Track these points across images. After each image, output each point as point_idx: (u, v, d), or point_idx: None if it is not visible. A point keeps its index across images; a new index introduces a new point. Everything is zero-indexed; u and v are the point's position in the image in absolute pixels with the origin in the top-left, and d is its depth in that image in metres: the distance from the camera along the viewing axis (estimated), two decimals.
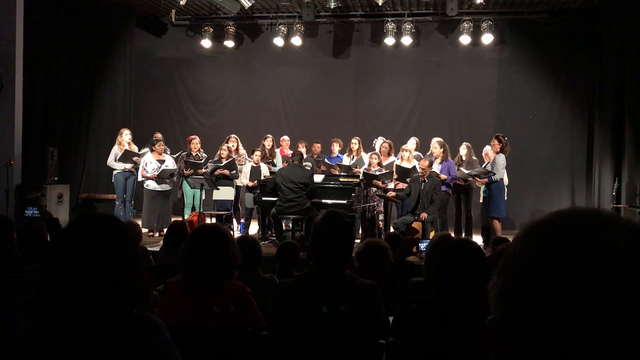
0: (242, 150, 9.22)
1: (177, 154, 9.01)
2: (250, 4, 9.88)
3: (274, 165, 9.00)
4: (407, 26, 10.42)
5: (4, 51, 8.20)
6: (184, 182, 8.74)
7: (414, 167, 8.09)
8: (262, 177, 8.37)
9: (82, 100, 10.50)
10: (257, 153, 8.74)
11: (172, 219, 7.82)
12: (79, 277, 1.33)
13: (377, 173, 7.98)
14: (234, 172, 8.51)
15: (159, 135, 9.23)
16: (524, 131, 10.30)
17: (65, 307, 1.32)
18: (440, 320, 2.18)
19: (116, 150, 8.76)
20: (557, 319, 0.55)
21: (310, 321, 2.32)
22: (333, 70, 11.43)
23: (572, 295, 0.54)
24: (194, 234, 2.51)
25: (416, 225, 7.36)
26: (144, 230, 8.12)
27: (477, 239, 8.06)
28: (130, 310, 1.36)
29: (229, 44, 11.24)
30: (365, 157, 8.81)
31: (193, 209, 8.76)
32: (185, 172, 8.54)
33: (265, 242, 7.80)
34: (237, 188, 8.81)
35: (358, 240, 6.04)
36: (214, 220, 8.11)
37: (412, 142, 8.94)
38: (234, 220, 8.83)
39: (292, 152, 9.30)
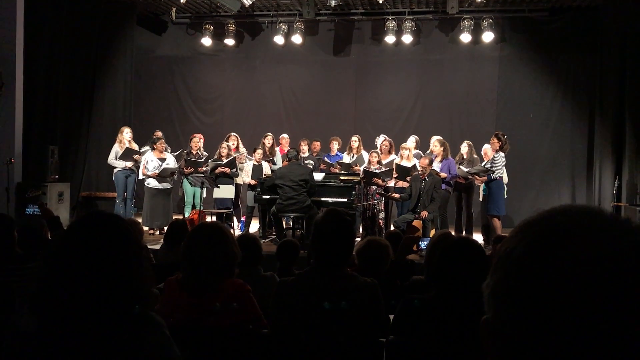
0: (242, 149, 9.22)
1: (177, 152, 9.02)
2: (250, 2, 9.87)
3: (274, 164, 9.00)
4: (408, 24, 10.41)
5: (5, 49, 8.19)
6: (185, 180, 8.74)
7: (414, 165, 8.09)
8: (263, 176, 8.37)
9: (83, 98, 10.51)
10: (259, 151, 8.74)
11: (173, 217, 7.83)
12: (83, 273, 1.34)
13: (377, 171, 7.98)
14: (234, 170, 8.51)
15: (159, 134, 9.23)
16: (524, 129, 10.30)
17: (68, 303, 1.33)
18: (440, 318, 2.18)
19: (117, 149, 8.76)
20: (548, 319, 0.55)
21: (311, 319, 2.32)
22: (333, 69, 11.42)
23: (562, 294, 0.54)
24: (194, 232, 2.51)
25: (417, 223, 7.37)
26: (145, 228, 8.13)
27: (478, 237, 8.06)
28: (132, 308, 1.37)
29: (230, 42, 11.23)
30: (366, 155, 8.81)
31: (193, 207, 8.77)
32: (185, 170, 8.55)
33: (266, 240, 7.81)
34: (238, 186, 8.81)
35: (358, 239, 6.03)
36: (214, 218, 8.11)
37: (411, 141, 8.94)
38: (234, 219, 8.83)
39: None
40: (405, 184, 7.95)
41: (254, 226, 8.87)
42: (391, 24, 10.46)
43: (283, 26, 10.92)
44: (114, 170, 8.79)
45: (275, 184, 7.46)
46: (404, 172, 8.01)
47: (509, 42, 10.69)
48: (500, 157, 7.65)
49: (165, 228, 6.43)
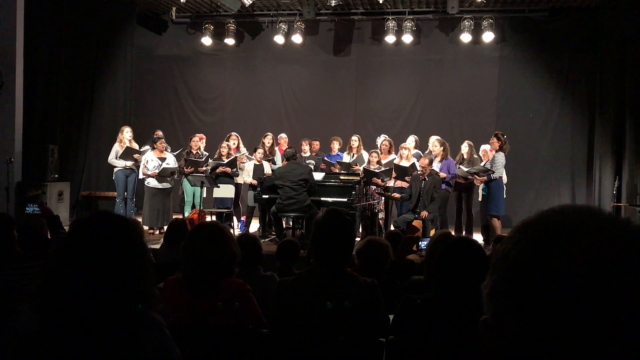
0: (243, 149, 9.22)
1: (177, 152, 9.02)
2: (250, 2, 9.87)
3: (274, 164, 9.00)
4: (408, 24, 10.41)
5: (5, 49, 8.19)
6: (185, 180, 8.75)
7: (413, 164, 8.09)
8: (264, 175, 8.37)
9: (83, 97, 10.51)
10: (260, 151, 8.74)
11: (173, 217, 7.83)
12: (87, 273, 1.36)
13: (377, 171, 7.98)
14: (235, 169, 8.51)
15: (159, 133, 9.23)
16: (524, 129, 10.31)
17: (71, 302, 1.33)
18: (440, 318, 2.18)
19: (117, 148, 8.76)
20: (545, 319, 0.55)
21: (311, 319, 2.32)
22: (334, 68, 11.42)
23: (559, 294, 0.54)
24: (194, 232, 2.51)
25: (416, 223, 7.37)
26: (145, 227, 8.13)
27: (478, 237, 8.06)
28: (135, 308, 1.38)
29: (230, 41, 11.23)
30: (365, 154, 8.81)
31: (193, 206, 8.77)
32: (185, 169, 8.55)
33: (266, 240, 7.81)
34: (238, 186, 8.81)
35: (358, 239, 6.03)
36: (214, 218, 8.11)
37: (410, 140, 8.94)
38: (234, 218, 8.83)
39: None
40: (404, 184, 7.95)
41: (254, 226, 8.87)
42: (391, 24, 10.46)
43: (283, 26, 10.92)
44: (114, 170, 8.79)
45: (274, 184, 7.46)
46: (402, 172, 8.00)
47: (509, 42, 10.69)
48: (500, 157, 7.65)
49: (165, 227, 6.43)
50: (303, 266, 3.11)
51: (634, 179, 8.70)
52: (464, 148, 8.51)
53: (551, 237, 0.58)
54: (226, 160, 8.49)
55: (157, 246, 5.20)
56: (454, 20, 10.55)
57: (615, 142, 9.21)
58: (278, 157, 9.22)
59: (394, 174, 8.13)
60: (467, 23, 10.19)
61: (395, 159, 8.53)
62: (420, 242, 6.53)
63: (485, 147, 8.47)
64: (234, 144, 8.99)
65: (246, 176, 8.62)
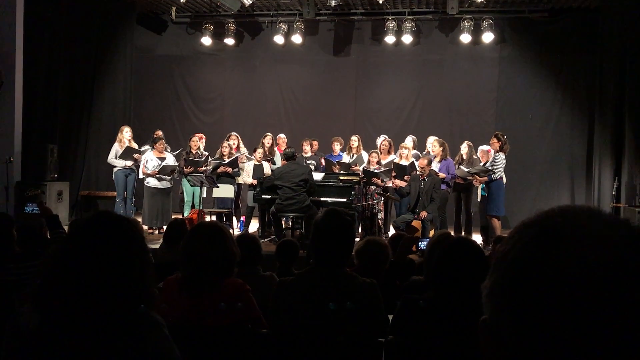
0: (243, 148, 9.22)
1: (177, 152, 9.02)
2: (250, 2, 9.87)
3: (274, 164, 9.00)
4: (408, 24, 10.41)
5: (4, 48, 8.19)
6: (184, 180, 8.75)
7: (412, 163, 8.09)
8: (264, 175, 8.37)
9: (83, 97, 10.50)
10: (260, 151, 8.74)
11: (172, 217, 7.83)
12: (89, 272, 1.36)
13: (377, 171, 7.98)
14: (236, 170, 8.51)
15: (159, 133, 9.23)
16: (524, 130, 10.31)
17: (72, 301, 1.34)
18: (439, 319, 2.18)
19: (116, 148, 8.75)
20: (543, 320, 0.55)
21: (310, 319, 2.32)
22: (333, 69, 11.42)
23: (557, 295, 0.54)
24: (193, 232, 2.51)
25: (416, 223, 7.37)
26: (144, 227, 8.13)
27: (477, 237, 8.06)
28: (136, 308, 1.39)
29: (230, 41, 11.23)
30: (365, 154, 8.81)
31: (193, 206, 8.77)
32: (185, 169, 8.55)
33: (265, 240, 7.80)
34: (238, 186, 8.81)
35: (358, 239, 6.03)
36: (213, 218, 8.11)
37: (408, 140, 8.93)
38: (234, 218, 8.83)
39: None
40: (403, 183, 7.95)
41: (254, 226, 8.87)
42: (391, 24, 10.46)
43: (283, 26, 10.92)
44: (114, 170, 8.78)
45: (274, 184, 7.45)
46: (401, 171, 8.01)
47: (509, 43, 10.69)
48: (501, 158, 7.65)
49: (165, 227, 6.43)
50: (302, 266, 3.11)
51: (633, 179, 8.70)
52: (464, 148, 8.51)
53: (550, 238, 0.58)
54: (227, 160, 8.49)
55: (157, 246, 5.20)
56: (454, 21, 10.55)
57: (615, 142, 9.21)
58: (277, 157, 9.22)
59: (393, 174, 8.13)
60: (466, 23, 10.20)
61: (395, 159, 8.54)
62: (419, 243, 6.52)
63: (483, 147, 8.47)
64: (233, 143, 8.99)
65: (246, 176, 8.62)
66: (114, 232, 1.43)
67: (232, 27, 11.17)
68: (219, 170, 8.43)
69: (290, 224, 8.03)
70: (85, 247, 1.41)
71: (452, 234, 5.24)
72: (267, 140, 9.17)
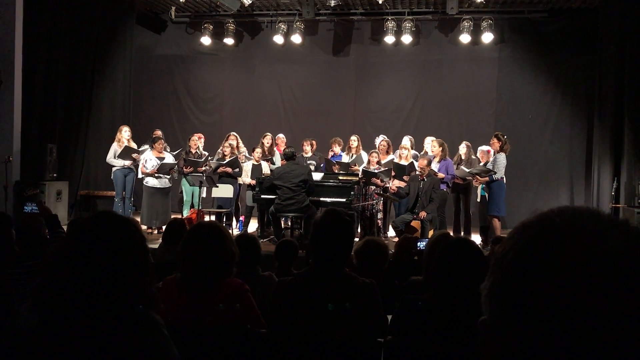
0: (242, 148, 9.22)
1: (176, 152, 9.01)
2: (250, 2, 9.87)
3: (273, 163, 8.99)
4: (407, 24, 10.41)
5: (4, 47, 8.18)
6: (184, 179, 8.74)
7: (411, 163, 8.09)
8: (262, 175, 8.36)
9: (82, 96, 10.49)
10: (258, 151, 8.74)
11: (171, 217, 7.82)
12: (89, 272, 1.37)
13: (376, 171, 7.98)
14: (237, 170, 8.51)
15: (159, 133, 9.22)
16: (523, 130, 10.31)
17: (72, 301, 1.34)
18: (438, 319, 2.18)
19: (115, 147, 8.74)
20: (542, 321, 0.55)
21: (309, 319, 2.32)
22: (333, 69, 11.42)
23: (557, 296, 0.54)
24: (192, 232, 2.51)
25: (415, 224, 7.37)
26: (143, 227, 8.12)
27: (476, 238, 8.06)
28: (135, 308, 1.39)
29: (229, 41, 11.23)
30: (364, 154, 8.81)
31: (192, 206, 8.76)
32: (184, 169, 8.54)
33: (264, 240, 7.80)
34: (237, 186, 8.80)
35: (357, 239, 6.03)
36: (213, 217, 8.11)
37: (406, 140, 8.92)
38: (233, 218, 8.82)
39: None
40: (402, 184, 7.95)
41: (253, 226, 8.87)
42: (391, 24, 10.46)
43: (282, 26, 10.92)
44: (113, 169, 8.77)
45: (273, 184, 7.44)
46: (400, 171, 8.01)
47: (508, 43, 10.70)
48: (502, 158, 7.65)
49: (164, 227, 6.42)
50: (301, 266, 3.11)
51: (632, 180, 8.71)
52: (462, 149, 8.52)
53: (549, 239, 0.58)
54: (226, 160, 8.49)
55: (156, 246, 5.19)
56: (454, 21, 10.56)
57: (614, 143, 9.21)
58: (277, 157, 9.22)
59: (393, 174, 8.13)
60: (466, 24, 10.20)
61: (394, 159, 8.54)
62: (418, 243, 6.52)
63: (483, 147, 8.47)
64: (233, 144, 8.98)
65: (244, 176, 8.61)
66: (114, 233, 1.43)
67: (231, 27, 11.17)
68: (219, 171, 8.42)
69: (290, 224, 8.02)
70: (85, 247, 1.41)
71: (451, 234, 5.24)
72: (267, 140, 9.17)
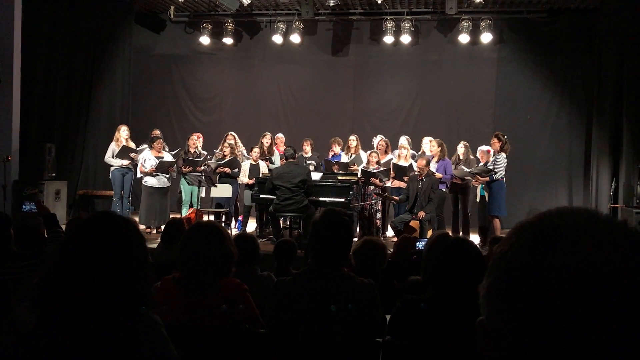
0: (241, 148, 9.21)
1: (175, 151, 9.00)
2: (249, 1, 9.87)
3: (272, 163, 8.99)
4: (406, 24, 10.42)
5: (2, 47, 8.17)
6: (182, 179, 8.74)
7: (411, 164, 8.10)
8: (260, 175, 8.36)
9: (80, 96, 10.49)
10: (256, 150, 8.73)
11: (170, 216, 7.82)
12: (90, 273, 1.36)
13: (375, 171, 7.98)
14: (236, 170, 8.50)
15: (157, 132, 9.21)
16: (522, 130, 10.31)
17: (72, 301, 1.34)
18: (437, 319, 2.18)
19: (113, 147, 8.73)
20: (540, 321, 0.55)
21: (308, 319, 2.32)
22: (332, 68, 11.42)
23: (555, 296, 0.54)
24: (191, 231, 2.51)
25: (414, 224, 7.37)
26: (142, 227, 8.11)
27: (474, 238, 8.07)
28: (135, 307, 1.39)
29: (228, 41, 11.23)
30: (363, 154, 8.81)
31: (191, 206, 8.76)
32: (183, 169, 8.54)
33: (263, 240, 7.80)
34: (237, 185, 8.80)
35: (356, 239, 6.03)
36: (212, 217, 8.11)
37: (403, 140, 8.89)
38: (232, 218, 8.82)
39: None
40: (402, 184, 7.95)
41: (252, 225, 8.86)
42: (390, 24, 10.46)
43: (282, 25, 10.92)
44: (111, 169, 8.76)
45: (272, 184, 7.43)
46: (400, 171, 8.01)
47: (507, 43, 10.70)
48: (502, 158, 7.65)
49: (162, 227, 6.42)
50: (300, 266, 3.11)
51: (631, 180, 8.72)
52: (460, 149, 8.52)
53: (548, 239, 0.58)
54: (224, 161, 8.48)
55: (154, 245, 5.19)
56: (452, 21, 10.56)
57: (613, 143, 9.22)
58: (277, 157, 9.21)
59: (392, 174, 8.13)
60: (465, 24, 10.20)
61: (392, 158, 8.54)
62: (417, 243, 6.52)
63: (483, 147, 8.47)
64: (233, 143, 8.98)
65: (242, 176, 8.60)
66: (113, 233, 1.44)
67: (230, 27, 11.17)
68: (218, 171, 8.42)
69: (288, 223, 8.02)
70: (84, 247, 1.41)
71: (450, 234, 5.24)
72: (266, 140, 9.15)
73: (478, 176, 7.80)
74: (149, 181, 8.43)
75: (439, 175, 7.98)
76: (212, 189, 8.32)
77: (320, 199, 7.66)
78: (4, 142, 8.19)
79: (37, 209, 4.17)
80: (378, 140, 9.04)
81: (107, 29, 10.60)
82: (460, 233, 8.21)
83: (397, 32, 10.50)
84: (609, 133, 9.28)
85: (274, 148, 9.35)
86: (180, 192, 9.14)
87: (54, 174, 9.10)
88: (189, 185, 8.52)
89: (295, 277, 2.48)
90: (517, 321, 0.57)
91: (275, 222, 7.68)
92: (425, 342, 2.19)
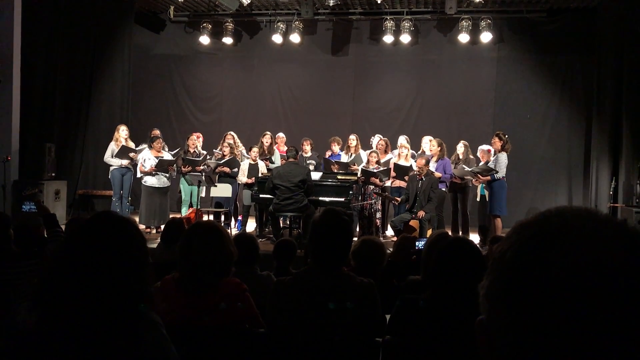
0: (241, 147, 9.21)
1: (175, 151, 9.00)
2: (249, 1, 9.87)
3: (272, 162, 8.98)
4: (406, 24, 10.42)
5: (2, 47, 8.18)
6: (182, 179, 8.74)
7: (411, 165, 8.10)
8: (260, 174, 8.35)
9: (80, 96, 10.49)
10: (255, 150, 8.73)
11: (170, 216, 7.82)
12: (88, 271, 1.37)
13: (375, 171, 7.98)
14: (235, 169, 8.50)
15: (157, 132, 9.21)
16: (521, 130, 10.31)
17: (72, 300, 1.34)
18: (437, 319, 2.19)
19: (113, 147, 8.72)
20: (539, 321, 0.55)
21: (307, 319, 2.32)
22: (331, 68, 11.42)
23: (555, 296, 0.54)
24: (190, 231, 2.51)
25: (413, 223, 7.37)
26: (141, 226, 8.11)
27: (474, 237, 8.07)
28: (136, 307, 1.39)
29: (228, 40, 11.23)
30: (363, 154, 8.81)
31: (191, 205, 8.75)
32: (183, 169, 8.53)
33: (263, 240, 7.80)
34: (236, 185, 8.80)
35: (356, 239, 6.03)
36: (211, 217, 8.10)
37: (402, 140, 8.89)
38: (232, 217, 8.82)
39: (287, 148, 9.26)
40: (403, 184, 7.95)
41: (252, 225, 8.86)
42: (389, 24, 10.46)
43: (281, 25, 10.91)
44: (110, 169, 8.76)
45: (273, 184, 7.43)
46: (401, 171, 8.00)
47: (507, 43, 10.70)
48: (504, 157, 7.65)
49: (162, 227, 6.42)
50: (300, 266, 3.11)
51: (630, 180, 8.72)
52: (460, 148, 8.51)
53: (547, 239, 0.58)
54: (223, 160, 8.48)
55: (154, 245, 5.19)
56: (452, 21, 10.56)
57: (612, 143, 9.23)
58: (277, 156, 9.21)
59: (392, 174, 8.13)
60: (465, 23, 10.20)
61: (392, 158, 8.54)
62: (417, 242, 6.52)
63: (484, 147, 8.46)
64: (233, 143, 8.98)
65: (241, 175, 8.60)
66: (113, 233, 1.44)
67: (230, 26, 11.17)
68: (217, 170, 8.42)
69: (288, 223, 8.02)
70: (85, 247, 1.41)
71: (450, 234, 5.24)
72: (266, 140, 9.15)
73: (479, 175, 7.80)
74: (149, 181, 8.42)
75: (438, 174, 7.98)
76: (212, 188, 8.32)
77: (320, 198, 7.66)
78: (4, 142, 8.20)
79: (37, 209, 4.17)
80: (377, 140, 9.03)
81: (106, 29, 10.59)
82: (460, 232, 8.21)
83: (397, 32, 10.50)
84: (608, 132, 9.28)
85: (275, 148, 9.35)
86: (180, 192, 9.13)
87: (53, 174, 9.10)
88: (189, 185, 8.52)
89: (295, 276, 2.48)
90: (517, 320, 0.57)
91: (275, 221, 7.68)
92: (425, 341, 2.19)
